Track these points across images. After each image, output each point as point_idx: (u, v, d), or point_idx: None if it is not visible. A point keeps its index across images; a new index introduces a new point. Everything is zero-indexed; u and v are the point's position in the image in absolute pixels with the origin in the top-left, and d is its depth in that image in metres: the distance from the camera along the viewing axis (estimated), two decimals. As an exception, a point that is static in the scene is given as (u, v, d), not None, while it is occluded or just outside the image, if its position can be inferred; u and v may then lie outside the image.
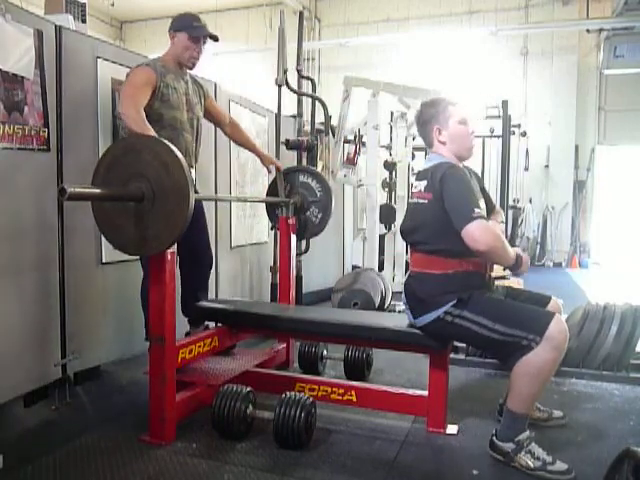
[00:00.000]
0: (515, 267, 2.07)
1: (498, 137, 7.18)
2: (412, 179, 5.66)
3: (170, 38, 2.67)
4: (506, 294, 2.23)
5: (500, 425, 2.01)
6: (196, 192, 2.45)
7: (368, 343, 2.59)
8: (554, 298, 2.27)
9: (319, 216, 3.12)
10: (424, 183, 2.11)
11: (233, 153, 3.70)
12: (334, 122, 4.67)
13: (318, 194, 3.11)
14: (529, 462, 1.90)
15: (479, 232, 1.91)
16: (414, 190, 2.19)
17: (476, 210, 1.94)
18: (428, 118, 2.20)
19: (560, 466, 1.88)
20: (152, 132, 2.28)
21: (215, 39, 2.72)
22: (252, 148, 3.07)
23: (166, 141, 1.97)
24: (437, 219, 2.04)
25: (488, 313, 1.98)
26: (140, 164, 1.94)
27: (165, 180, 1.90)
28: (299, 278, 3.70)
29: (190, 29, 2.63)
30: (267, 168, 3.07)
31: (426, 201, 2.08)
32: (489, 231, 1.94)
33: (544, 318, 1.91)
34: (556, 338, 1.87)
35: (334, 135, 4.69)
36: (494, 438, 2.00)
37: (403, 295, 2.22)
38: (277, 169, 3.05)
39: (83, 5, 3.07)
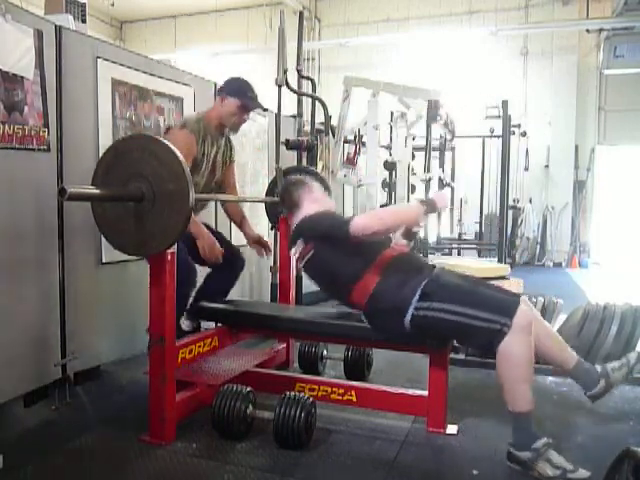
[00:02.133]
0: (431, 210, 2.15)
1: (498, 137, 7.17)
2: (412, 180, 5.66)
3: (219, 99, 2.63)
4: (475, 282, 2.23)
5: (512, 434, 1.96)
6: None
7: (368, 343, 2.59)
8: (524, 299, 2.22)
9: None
10: (300, 241, 2.27)
11: (233, 153, 3.70)
12: (334, 122, 4.67)
13: None
14: (548, 471, 1.84)
15: (362, 222, 2.07)
16: (295, 256, 2.32)
17: (346, 216, 2.13)
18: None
19: (582, 474, 1.83)
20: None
21: (264, 110, 2.71)
22: (240, 223, 3.00)
23: (165, 141, 1.97)
24: (332, 254, 2.18)
25: (455, 299, 1.99)
26: (140, 164, 1.94)
27: (165, 180, 1.90)
28: (299, 278, 3.69)
29: (244, 98, 2.58)
30: (251, 246, 2.99)
31: (313, 251, 2.22)
32: (367, 215, 2.11)
33: (512, 302, 1.94)
34: (524, 320, 1.89)
35: (334, 135, 4.69)
36: (511, 449, 1.95)
37: (375, 332, 2.22)
38: (266, 249, 2.99)
39: (83, 5, 3.08)
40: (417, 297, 2.03)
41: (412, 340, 2.17)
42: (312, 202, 2.40)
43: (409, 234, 2.36)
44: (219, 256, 2.51)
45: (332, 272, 2.24)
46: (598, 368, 2.14)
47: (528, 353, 1.91)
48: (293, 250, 2.31)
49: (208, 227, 2.71)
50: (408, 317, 2.05)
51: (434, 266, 2.28)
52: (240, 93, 2.58)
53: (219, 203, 3.04)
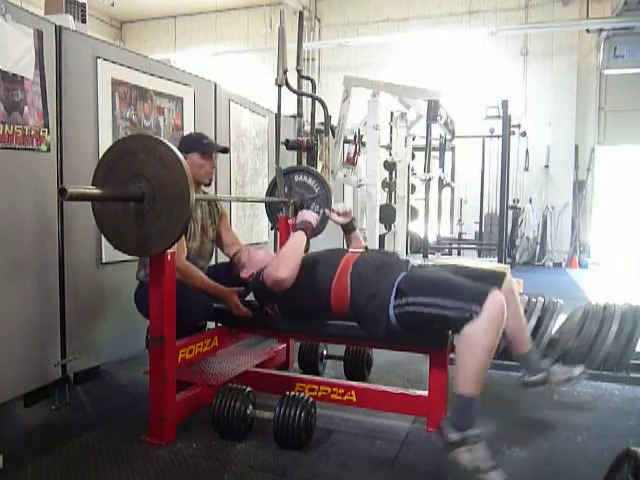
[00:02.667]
0: (310, 228, 2.34)
1: (498, 137, 7.18)
2: (412, 180, 5.66)
3: None
4: (455, 271, 2.25)
5: (452, 411, 1.94)
6: None
7: (368, 343, 2.58)
8: (509, 276, 2.34)
9: (320, 212, 3.12)
10: (264, 303, 2.42)
11: (233, 153, 3.70)
12: (334, 122, 4.66)
13: (316, 190, 3.12)
14: (464, 461, 1.81)
15: (271, 280, 2.20)
16: (273, 314, 2.40)
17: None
18: None
19: (493, 476, 1.77)
20: (200, 273, 2.45)
21: (225, 151, 2.78)
22: None
23: (167, 142, 1.97)
24: (293, 294, 2.23)
25: (428, 291, 2.02)
26: (140, 164, 1.94)
27: (165, 181, 1.90)
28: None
29: (201, 147, 2.61)
30: None
31: (277, 304, 2.36)
32: (273, 270, 2.20)
33: (482, 289, 1.94)
34: (493, 307, 1.87)
35: (334, 135, 4.68)
36: (445, 422, 1.91)
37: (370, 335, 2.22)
38: None
39: (83, 5, 3.08)
40: (393, 295, 2.06)
41: (404, 337, 2.16)
42: (251, 271, 2.49)
43: (346, 228, 2.64)
44: (247, 313, 2.47)
45: (303, 306, 2.27)
46: (545, 363, 2.22)
47: (491, 341, 1.87)
48: (268, 311, 2.38)
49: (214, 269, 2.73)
50: (392, 316, 2.07)
51: (407, 261, 2.32)
52: (196, 145, 2.62)
53: (220, 251, 2.99)
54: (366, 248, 2.42)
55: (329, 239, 4.63)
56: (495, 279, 2.25)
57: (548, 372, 2.36)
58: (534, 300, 3.12)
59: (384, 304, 2.08)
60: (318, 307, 2.25)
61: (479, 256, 8.43)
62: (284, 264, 2.21)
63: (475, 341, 1.87)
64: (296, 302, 2.28)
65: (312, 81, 4.22)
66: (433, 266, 2.44)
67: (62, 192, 1.67)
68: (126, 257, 2.34)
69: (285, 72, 3.44)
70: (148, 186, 1.92)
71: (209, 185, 2.73)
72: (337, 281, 2.20)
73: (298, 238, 2.32)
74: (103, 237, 2.19)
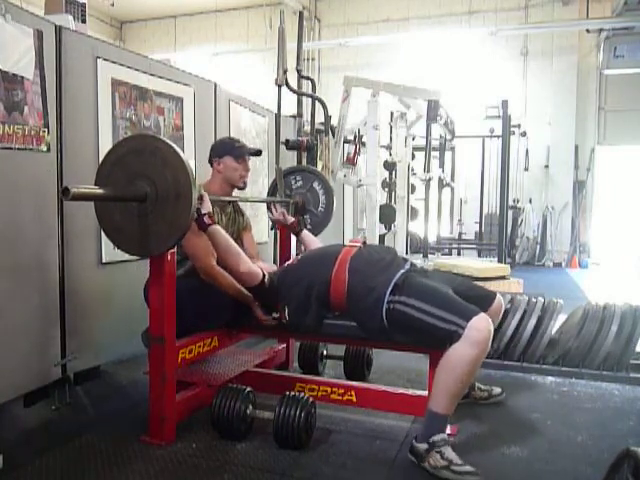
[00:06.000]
0: (201, 224, 2.18)
1: (498, 137, 7.19)
2: (412, 180, 5.66)
3: (215, 166, 2.65)
4: (453, 286, 2.23)
5: (422, 428, 1.99)
6: None
7: (368, 343, 2.58)
8: (499, 297, 2.37)
9: (308, 228, 3.11)
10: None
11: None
12: (334, 122, 4.67)
13: (319, 210, 3.11)
14: (436, 462, 1.87)
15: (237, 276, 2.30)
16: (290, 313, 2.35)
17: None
18: None
19: (467, 468, 1.85)
20: (232, 279, 2.34)
21: (258, 154, 2.79)
22: None
23: (171, 142, 1.96)
24: (295, 289, 2.25)
25: (421, 295, 2.02)
26: (144, 164, 1.94)
27: (168, 181, 1.90)
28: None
29: (233, 150, 2.62)
30: None
31: (286, 305, 2.31)
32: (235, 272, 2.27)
33: (472, 311, 1.94)
34: (478, 332, 1.87)
35: (334, 135, 4.69)
36: (413, 441, 1.97)
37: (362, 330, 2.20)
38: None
39: (83, 5, 3.08)
40: (390, 290, 2.06)
41: (391, 337, 2.14)
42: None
43: (292, 229, 2.83)
44: (269, 321, 2.42)
45: (306, 302, 2.23)
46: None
47: (466, 367, 1.88)
48: (279, 318, 2.35)
49: None
50: (383, 311, 2.06)
51: (406, 259, 2.31)
52: (229, 149, 2.63)
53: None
54: (364, 243, 2.39)
55: (328, 240, 4.63)
56: (487, 299, 2.31)
57: (473, 387, 2.53)
58: (534, 300, 3.12)
59: (380, 298, 2.07)
60: (319, 301, 2.22)
61: (479, 256, 8.43)
62: (235, 262, 2.23)
63: (456, 364, 1.89)
64: (299, 299, 2.24)
65: (312, 81, 4.22)
66: (435, 272, 2.42)
67: (65, 192, 1.67)
68: (126, 257, 2.33)
69: (285, 72, 3.44)
70: (151, 186, 1.92)
71: (244, 189, 2.71)
72: (335, 275, 2.18)
73: (215, 240, 2.24)
74: (103, 237, 2.19)
